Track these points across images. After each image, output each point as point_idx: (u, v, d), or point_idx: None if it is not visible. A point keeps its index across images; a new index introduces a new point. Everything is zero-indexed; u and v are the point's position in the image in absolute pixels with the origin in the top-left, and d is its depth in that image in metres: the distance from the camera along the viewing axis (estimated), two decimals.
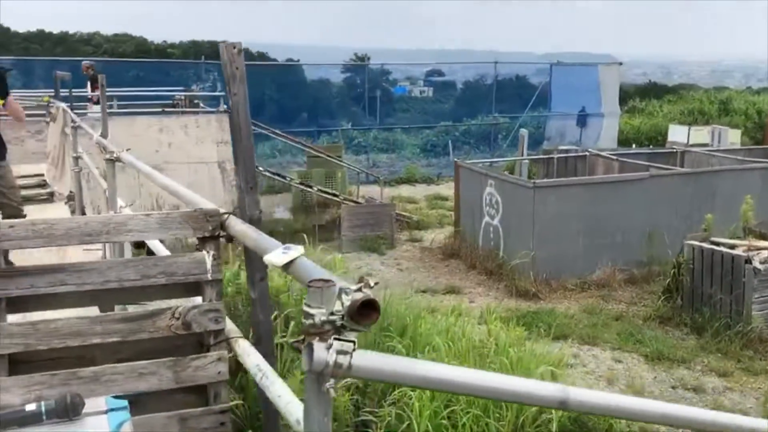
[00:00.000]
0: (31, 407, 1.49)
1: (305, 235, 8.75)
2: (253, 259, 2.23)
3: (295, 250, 1.71)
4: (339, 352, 1.33)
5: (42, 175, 9.47)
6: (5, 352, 1.97)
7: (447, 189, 17.67)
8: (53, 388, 1.98)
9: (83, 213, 7.73)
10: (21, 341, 1.98)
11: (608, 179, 11.63)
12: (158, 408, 2.14)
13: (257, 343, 2.22)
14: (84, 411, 1.53)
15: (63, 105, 9.17)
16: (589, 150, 14.15)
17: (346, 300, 1.39)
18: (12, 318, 2.03)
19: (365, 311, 1.40)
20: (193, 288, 2.22)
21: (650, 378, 7.75)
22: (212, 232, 2.17)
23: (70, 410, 1.51)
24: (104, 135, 5.52)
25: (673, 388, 7.54)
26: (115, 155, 4.19)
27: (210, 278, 2.18)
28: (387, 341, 6.44)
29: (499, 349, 6.76)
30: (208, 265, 2.17)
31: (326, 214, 14.78)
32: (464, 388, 1.43)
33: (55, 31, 41.01)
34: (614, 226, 10.59)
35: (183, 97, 14.52)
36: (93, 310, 2.16)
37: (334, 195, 13.99)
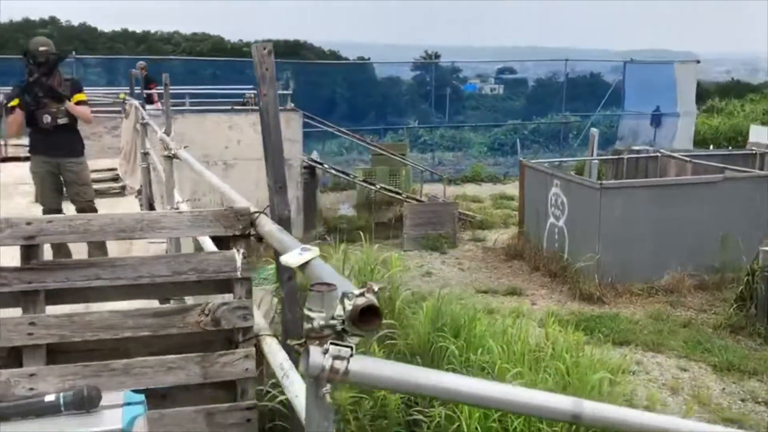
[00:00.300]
0: (50, 398, 1.55)
1: (361, 233, 8.77)
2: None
3: (311, 252, 1.71)
4: (335, 357, 1.33)
5: (115, 169, 9.86)
6: (43, 342, 2.06)
7: (513, 188, 17.40)
8: (86, 378, 2.05)
9: (151, 207, 8.01)
10: (57, 332, 2.07)
11: (679, 181, 11.19)
12: (188, 402, 2.19)
13: (285, 342, 2.24)
14: (102, 404, 1.58)
15: (135, 102, 9.52)
16: (661, 151, 13.65)
17: (348, 305, 1.38)
18: (50, 310, 2.12)
19: (367, 316, 1.40)
20: (224, 285, 2.26)
21: (718, 389, 7.42)
22: (242, 230, 2.21)
23: (87, 403, 1.56)
24: (167, 132, 5.70)
25: (742, 400, 7.20)
26: (173, 152, 4.31)
27: (240, 276, 2.22)
28: (440, 341, 6.40)
29: (555, 353, 6.62)
30: (238, 263, 2.21)
31: (389, 212, 14.82)
32: (466, 398, 1.40)
33: (137, 30, 42.65)
34: (685, 230, 10.18)
35: (253, 95, 14.82)
36: (129, 305, 2.23)
37: (397, 193, 14.00)
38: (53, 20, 40.64)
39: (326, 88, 24.10)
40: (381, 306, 1.41)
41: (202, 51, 36.75)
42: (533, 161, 13.42)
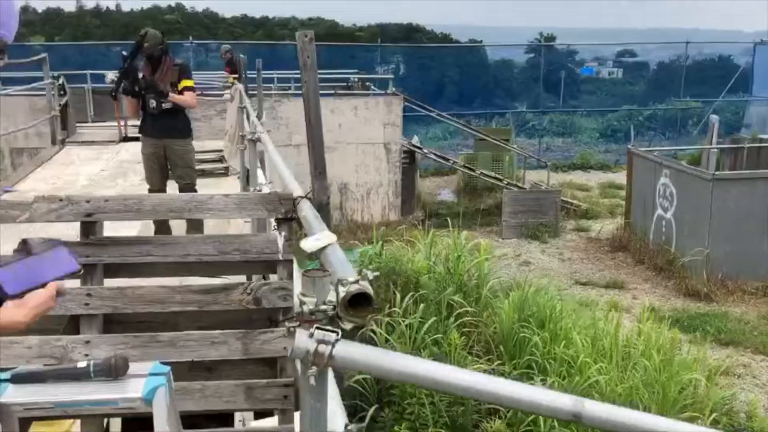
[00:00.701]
0: (82, 365, 1.68)
1: (448, 219, 8.72)
2: None
3: (327, 239, 1.74)
4: (320, 342, 1.35)
5: (221, 150, 10.32)
6: (98, 312, 2.22)
7: (623, 177, 16.64)
8: (135, 348, 2.20)
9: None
10: (111, 304, 2.22)
11: None
12: (231, 376, 2.29)
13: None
14: (129, 373, 1.69)
15: (240, 87, 9.90)
16: None
17: (342, 291, 1.41)
18: (108, 283, 2.28)
19: (361, 304, 1.41)
20: (267, 266, 2.35)
21: None
22: (285, 214, 2.27)
23: (114, 371, 1.67)
24: (259, 116, 5.90)
25: None
26: (256, 135, 4.47)
27: (281, 258, 2.29)
28: (522, 332, 6.29)
29: (647, 350, 6.35)
30: (280, 246, 2.28)
31: (490, 199, 14.63)
32: (460, 390, 1.39)
33: (257, 16, 44.16)
34: None
35: (357, 80, 15.04)
36: (180, 280, 2.35)
37: (498, 179, 13.79)
38: (179, 6, 42.87)
39: (436, 71, 24.02)
40: (374, 293, 1.42)
41: (317, 35, 37.42)
42: (642, 149, 12.82)
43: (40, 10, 40.02)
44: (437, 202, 15.11)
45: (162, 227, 4.73)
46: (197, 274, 2.39)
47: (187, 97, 5.87)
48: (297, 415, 2.30)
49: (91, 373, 1.67)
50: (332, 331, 1.37)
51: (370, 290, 1.42)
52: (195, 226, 4.81)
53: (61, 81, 11.92)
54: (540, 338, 6.19)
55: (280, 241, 2.28)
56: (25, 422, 2.09)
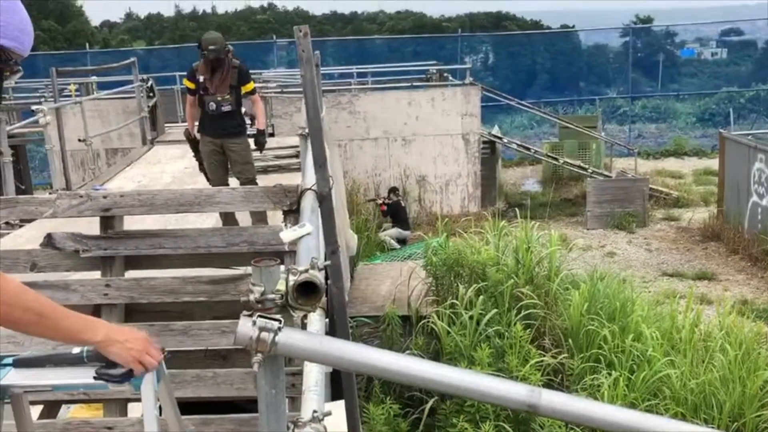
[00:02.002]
0: (76, 350, 1.78)
1: (517, 210, 8.52)
2: (326, 234, 2.33)
3: (304, 230, 1.77)
4: (262, 329, 1.38)
5: (297, 146, 10.55)
6: (116, 302, 2.34)
7: None
8: (151, 336, 2.30)
9: None
10: (128, 294, 2.34)
11: None
12: (244, 364, 2.36)
13: (329, 315, 2.33)
14: None
15: None
16: None
17: (291, 280, 1.43)
18: (129, 275, 2.40)
19: (310, 292, 1.43)
20: (274, 257, 2.40)
21: None
22: (290, 206, 2.32)
23: (104, 357, 1.77)
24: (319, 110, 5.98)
25: None
26: (305, 131, 4.55)
27: (287, 249, 2.33)
28: (589, 324, 6.09)
29: (728, 344, 5.99)
30: None
31: (576, 188, 14.22)
32: (400, 377, 1.38)
33: (345, 12, 44.74)
34: None
35: (435, 71, 14.96)
36: (195, 272, 2.44)
37: (582, 168, 13.37)
38: (271, 6, 44.07)
39: (527, 59, 23.56)
40: (321, 283, 1.43)
41: (405, 28, 37.56)
42: (735, 133, 12.09)
43: (142, 16, 42.25)
44: (521, 193, 14.84)
45: (228, 219, 4.91)
46: (209, 265, 2.48)
47: (260, 109, 6.14)
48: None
49: (85, 359, 1.76)
50: (275, 320, 1.39)
51: (318, 279, 1.43)
52: (230, 220, 4.94)
53: (149, 83, 12.54)
54: (609, 331, 5.98)
55: None
56: (54, 405, 2.24)
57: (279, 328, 1.38)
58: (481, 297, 5.95)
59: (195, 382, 2.26)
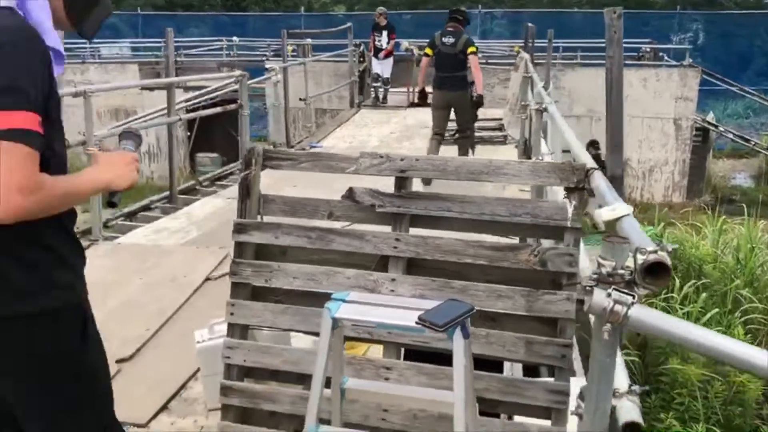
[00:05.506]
0: (412, 317, 1.97)
1: (744, 206, 7.88)
2: None
3: (624, 209, 1.81)
4: (617, 302, 1.45)
5: (500, 119, 10.56)
6: (403, 255, 2.54)
7: None
8: (432, 290, 2.48)
9: (528, 158, 8.47)
10: (414, 249, 2.53)
11: None
12: (511, 328, 2.48)
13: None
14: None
15: (527, 56, 9.97)
16: None
17: (640, 258, 1.48)
18: (412, 232, 2.59)
19: (658, 273, 1.48)
20: (553, 231, 2.47)
21: None
22: (576, 183, 2.37)
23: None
24: (546, 87, 5.95)
25: None
26: (543, 106, 4.57)
27: (569, 225, 2.40)
28: None
29: None
30: (569, 213, 2.39)
31: None
32: (743, 365, 1.39)
33: None
34: None
35: (649, 49, 14.17)
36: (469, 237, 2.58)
37: None
38: None
39: (743, 41, 21.66)
40: (672, 265, 1.47)
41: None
42: None
43: None
44: (730, 187, 13.79)
45: None
46: (485, 232, 2.60)
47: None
48: (573, 381, 2.42)
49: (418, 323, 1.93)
50: (629, 294, 1.46)
51: (668, 261, 1.48)
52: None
53: (361, 49, 13.09)
54: None
55: (570, 209, 2.39)
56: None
57: (632, 303, 1.45)
58: (704, 294, 5.67)
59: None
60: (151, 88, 13.26)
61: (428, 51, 7.59)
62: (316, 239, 2.63)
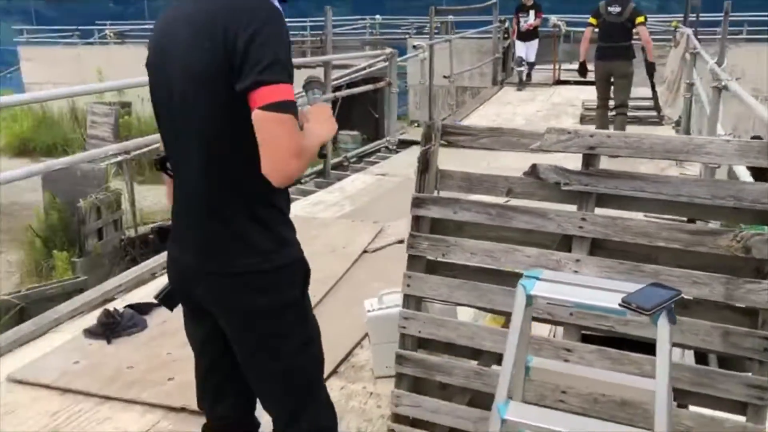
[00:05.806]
0: (613, 299, 1.91)
1: None
2: None
3: None
4: None
5: (651, 98, 9.96)
6: (588, 236, 2.46)
7: None
8: (620, 273, 2.39)
9: None
10: (601, 230, 2.44)
11: None
12: (705, 317, 2.35)
13: None
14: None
15: (688, 31, 9.36)
16: None
17: None
18: (598, 212, 2.51)
19: None
20: (760, 216, 2.30)
21: None
22: None
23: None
24: (719, 63, 5.56)
25: None
26: (722, 83, 4.26)
27: None
28: None
29: None
30: None
31: None
32: None
33: None
34: None
35: None
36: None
37: None
38: None
39: None
40: None
41: None
42: None
43: None
44: None
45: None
46: (680, 214, 2.47)
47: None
48: None
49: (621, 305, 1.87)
50: None
51: None
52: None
53: (506, 25, 12.81)
54: None
55: None
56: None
57: None
58: None
59: None
60: (297, 67, 13.67)
61: (592, 20, 7.39)
62: (496, 216, 2.61)
